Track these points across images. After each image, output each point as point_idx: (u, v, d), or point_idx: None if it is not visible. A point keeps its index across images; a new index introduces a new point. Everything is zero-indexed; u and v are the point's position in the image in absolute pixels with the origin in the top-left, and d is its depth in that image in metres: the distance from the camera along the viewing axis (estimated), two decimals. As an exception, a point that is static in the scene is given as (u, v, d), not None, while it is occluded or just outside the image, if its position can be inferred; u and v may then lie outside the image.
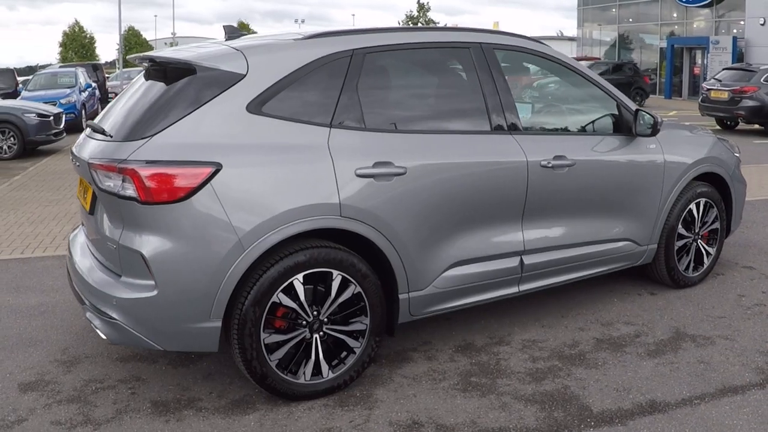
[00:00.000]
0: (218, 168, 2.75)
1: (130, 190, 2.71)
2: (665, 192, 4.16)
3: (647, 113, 3.92)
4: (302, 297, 2.95)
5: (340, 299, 3.04)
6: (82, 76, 18.08)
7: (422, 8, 60.24)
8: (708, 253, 4.57)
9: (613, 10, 33.22)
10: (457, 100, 3.52)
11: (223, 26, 3.46)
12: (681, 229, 4.35)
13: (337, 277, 3.01)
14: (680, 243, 4.38)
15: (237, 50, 3.00)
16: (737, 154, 4.80)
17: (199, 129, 2.80)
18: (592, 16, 34.97)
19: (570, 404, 3.02)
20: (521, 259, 3.60)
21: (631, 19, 32.67)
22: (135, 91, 3.17)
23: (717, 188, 4.55)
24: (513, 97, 3.53)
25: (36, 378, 3.23)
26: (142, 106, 2.92)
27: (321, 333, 3.03)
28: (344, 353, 3.12)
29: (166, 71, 3.02)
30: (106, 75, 25.85)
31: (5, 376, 3.25)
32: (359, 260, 3.05)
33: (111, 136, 2.89)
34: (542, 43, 3.86)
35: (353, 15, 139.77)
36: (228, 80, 2.88)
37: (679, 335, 3.76)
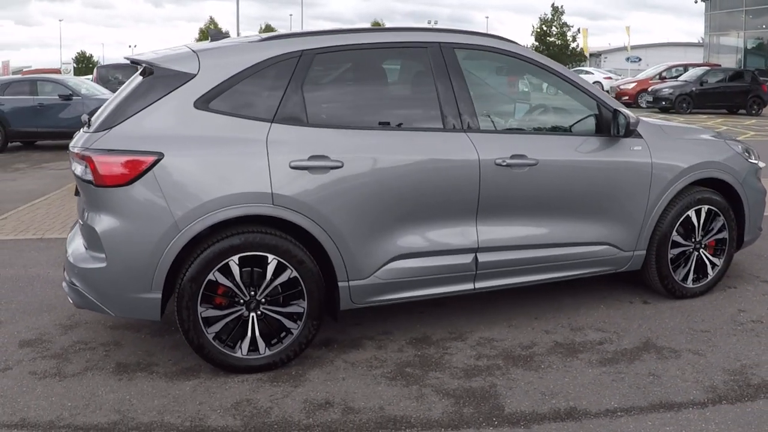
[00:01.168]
0: (160, 157, 2.97)
1: (89, 175, 3.02)
2: (653, 197, 3.84)
3: (623, 114, 3.64)
4: (237, 277, 3.09)
5: (276, 282, 3.15)
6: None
7: (556, 11, 58.62)
8: (713, 264, 4.14)
9: (741, 16, 30.30)
10: (407, 98, 3.50)
11: (208, 29, 3.69)
12: (676, 237, 3.98)
13: (272, 261, 3.12)
14: (676, 251, 4.01)
15: (193, 52, 3.21)
16: (754, 161, 4.29)
17: (149, 122, 3.04)
18: (720, 22, 32.12)
19: (485, 402, 2.91)
20: (476, 256, 3.49)
21: (765, 26, 29.63)
22: (122, 88, 3.49)
23: (726, 196, 4.12)
24: (471, 95, 3.44)
25: (36, 337, 3.63)
26: (115, 102, 3.22)
27: (258, 312, 3.16)
28: (283, 333, 3.23)
29: (144, 70, 3.31)
30: None
31: (13, 333, 3.68)
32: (295, 246, 3.14)
33: (89, 128, 3.23)
34: (514, 42, 3.71)
35: (486, 17, 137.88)
36: (180, 79, 3.10)
37: (645, 346, 3.46)
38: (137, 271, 2.99)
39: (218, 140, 3.07)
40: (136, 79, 3.28)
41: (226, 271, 3.08)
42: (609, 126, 3.68)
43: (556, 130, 3.76)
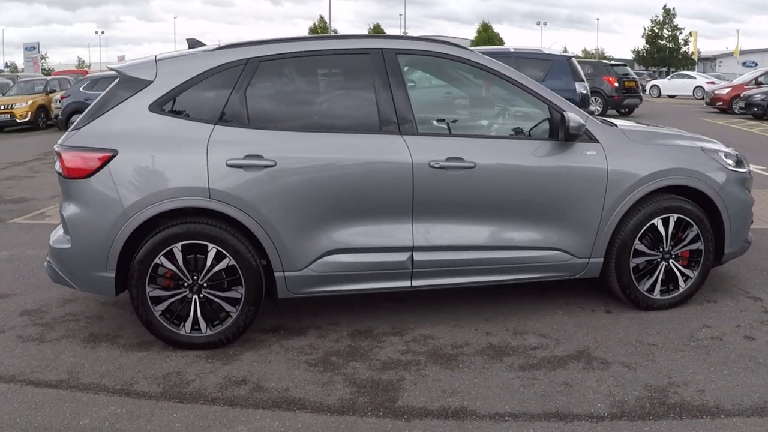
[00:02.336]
0: (115, 154, 3.26)
1: (60, 168, 3.38)
2: (609, 203, 3.62)
3: (567, 117, 3.45)
4: (180, 262, 3.32)
5: (216, 268, 3.35)
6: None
7: (668, 13, 55.18)
8: (686, 276, 3.82)
9: None
10: (347, 102, 3.56)
11: (186, 39, 3.96)
12: (640, 246, 3.73)
13: (212, 250, 3.32)
14: (640, 260, 3.75)
15: (154, 60, 3.48)
16: (737, 169, 3.89)
17: (111, 123, 3.35)
18: None
19: (383, 394, 2.94)
20: (412, 255, 3.50)
21: None
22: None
23: (703, 205, 3.79)
24: (410, 99, 3.45)
25: (37, 308, 4.07)
26: (92, 105, 3.58)
27: (200, 295, 3.38)
28: (223, 316, 3.43)
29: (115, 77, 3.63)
30: None
31: (20, 303, 4.14)
32: (232, 237, 3.32)
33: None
34: (462, 47, 3.64)
35: (597, 19, 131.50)
36: (139, 85, 3.38)
37: (579, 354, 3.30)
38: (95, 252, 3.31)
39: (166, 140, 3.32)
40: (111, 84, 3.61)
41: (171, 256, 3.32)
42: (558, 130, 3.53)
43: (502, 133, 3.65)
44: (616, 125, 3.91)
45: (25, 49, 42.79)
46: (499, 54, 10.74)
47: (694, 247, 3.81)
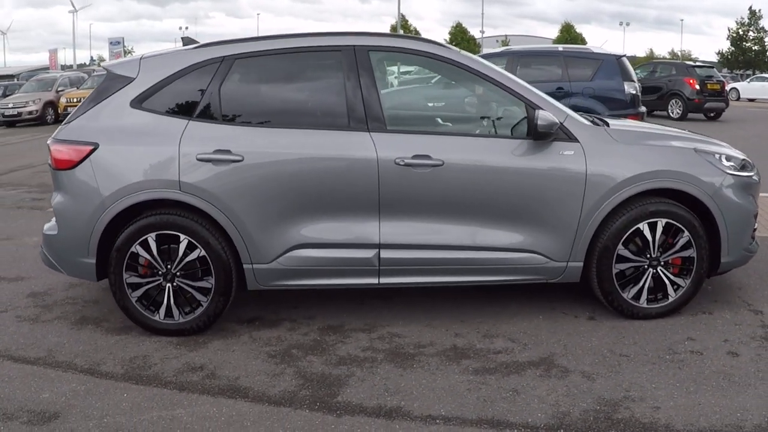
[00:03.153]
0: (96, 147, 3.43)
1: (50, 160, 3.60)
2: (588, 205, 3.43)
3: (540, 116, 3.29)
4: (154, 251, 3.45)
5: (187, 259, 3.46)
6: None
7: (753, 15, 51.87)
8: (676, 285, 3.56)
9: None
10: (317, 99, 3.55)
11: (182, 38, 4.09)
12: (623, 251, 3.51)
13: (184, 240, 3.43)
14: (623, 266, 3.53)
15: (138, 58, 3.63)
16: (738, 173, 3.57)
17: (95, 118, 3.52)
18: None
19: (327, 388, 2.94)
20: (378, 252, 3.46)
21: None
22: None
23: (697, 210, 3.51)
24: (379, 95, 3.41)
25: (43, 290, 4.32)
26: (83, 101, 3.78)
27: (174, 284, 3.50)
28: (195, 304, 3.53)
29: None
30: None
31: (30, 286, 4.41)
32: (202, 228, 3.42)
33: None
34: (437, 44, 3.54)
35: (681, 20, 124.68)
36: (123, 82, 3.53)
37: (542, 361, 3.16)
38: (77, 239, 3.50)
39: (143, 134, 3.45)
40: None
41: (146, 245, 3.46)
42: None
43: (474, 131, 3.53)
44: (604, 124, 3.70)
45: (110, 43, 44.57)
46: (547, 53, 10.42)
47: (685, 254, 3.55)
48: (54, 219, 3.77)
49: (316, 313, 3.85)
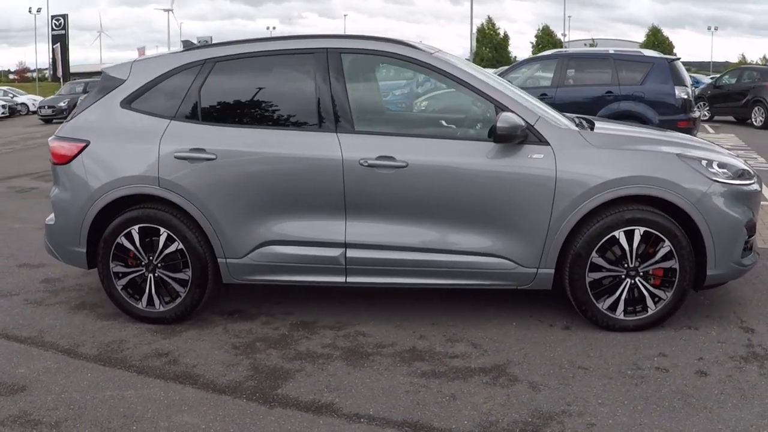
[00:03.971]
0: (87, 144, 3.69)
1: (50, 155, 3.90)
2: (558, 211, 3.30)
3: (501, 118, 3.19)
4: (137, 243, 3.66)
5: (167, 251, 3.63)
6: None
7: None
8: (656, 297, 3.35)
9: None
10: (290, 100, 3.62)
11: (182, 41, 4.31)
12: (597, 259, 3.34)
13: (163, 234, 3.61)
14: (597, 275, 3.37)
15: (131, 61, 3.86)
16: (730, 181, 3.29)
17: (90, 117, 3.77)
18: None
19: (271, 381, 3.00)
20: (345, 251, 3.49)
21: None
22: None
23: (681, 218, 3.29)
24: (349, 97, 3.44)
25: (57, 277, 4.62)
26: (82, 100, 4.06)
27: (155, 274, 3.69)
28: (174, 294, 3.70)
29: None
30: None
31: (46, 272, 4.70)
32: (180, 222, 3.58)
33: None
34: (411, 46, 3.52)
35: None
36: (115, 83, 3.77)
37: (493, 369, 3.08)
38: (70, 229, 3.76)
39: (130, 133, 3.67)
40: None
41: (130, 237, 3.67)
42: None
43: (441, 133, 3.48)
44: (588, 127, 3.54)
45: (198, 42, 47.46)
46: (597, 56, 10.03)
47: (667, 265, 3.33)
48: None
49: (295, 309, 3.93)
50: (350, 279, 3.57)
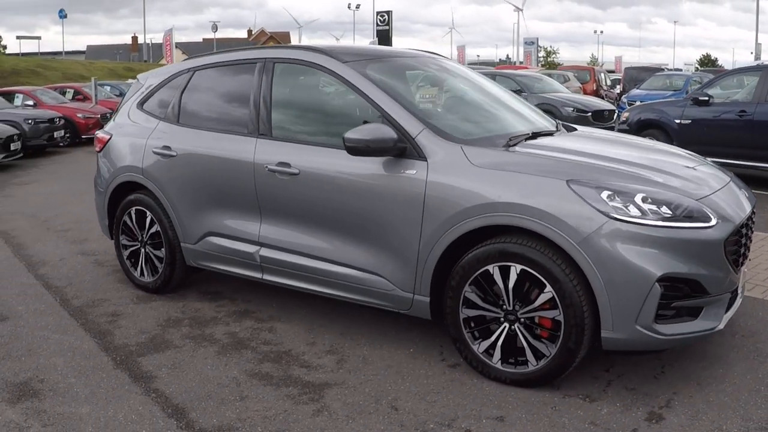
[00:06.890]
0: (111, 137, 4.53)
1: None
2: (427, 235, 2.96)
3: (354, 129, 3.01)
4: (135, 222, 4.37)
5: (151, 231, 4.26)
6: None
7: None
8: (537, 351, 2.75)
9: None
10: (236, 106, 3.86)
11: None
12: (471, 294, 2.89)
13: (149, 216, 4.26)
14: (471, 313, 2.90)
15: (153, 71, 4.55)
16: (632, 220, 2.49)
17: (120, 116, 4.61)
18: None
19: (159, 356, 3.36)
20: (259, 249, 3.66)
21: None
22: None
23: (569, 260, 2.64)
24: (272, 104, 3.62)
25: (103, 250, 5.66)
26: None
27: (144, 250, 4.36)
28: (156, 269, 4.33)
29: None
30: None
31: (93, 248, 5.78)
32: (157, 207, 4.17)
33: None
34: (332, 57, 3.46)
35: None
36: (139, 88, 4.54)
37: (305, 386, 2.93)
38: (99, 207, 4.64)
39: (136, 130, 4.39)
40: None
41: (130, 216, 4.41)
42: None
43: (332, 143, 3.34)
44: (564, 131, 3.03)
45: (525, 43, 46.32)
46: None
47: (551, 315, 2.71)
48: None
49: (256, 298, 4.20)
50: (266, 276, 3.73)
